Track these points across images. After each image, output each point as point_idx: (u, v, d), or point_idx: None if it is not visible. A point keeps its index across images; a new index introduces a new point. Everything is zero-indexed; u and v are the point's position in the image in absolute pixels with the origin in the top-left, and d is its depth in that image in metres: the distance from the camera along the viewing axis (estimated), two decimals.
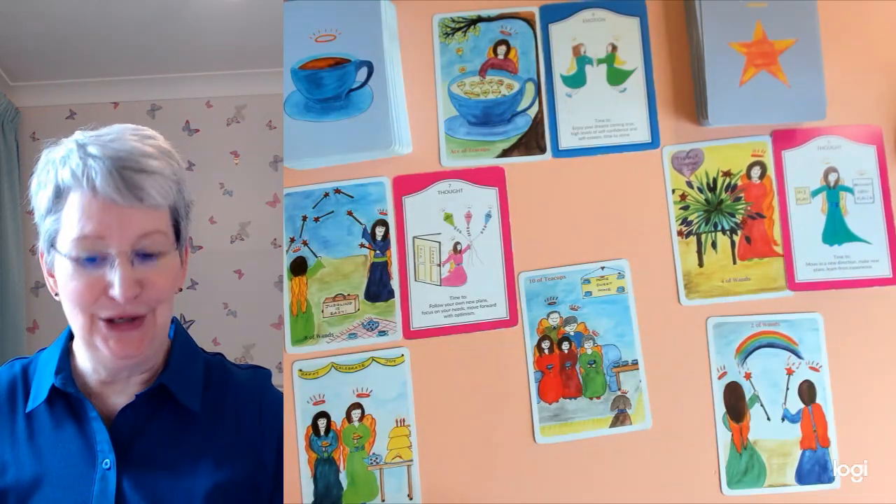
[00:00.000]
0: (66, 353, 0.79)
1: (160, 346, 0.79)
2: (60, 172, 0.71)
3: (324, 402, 0.85)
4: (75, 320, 0.74)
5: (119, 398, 0.78)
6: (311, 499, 0.84)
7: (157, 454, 0.77)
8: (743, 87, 0.85)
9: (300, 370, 0.86)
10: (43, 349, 0.83)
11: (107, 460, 0.75)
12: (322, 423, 0.85)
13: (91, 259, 0.70)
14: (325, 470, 0.84)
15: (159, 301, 0.74)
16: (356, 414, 0.85)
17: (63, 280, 0.72)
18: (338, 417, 0.85)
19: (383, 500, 0.84)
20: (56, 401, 0.77)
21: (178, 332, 0.82)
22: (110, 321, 0.72)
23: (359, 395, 0.85)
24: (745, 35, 0.85)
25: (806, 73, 0.84)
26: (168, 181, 0.73)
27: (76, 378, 0.78)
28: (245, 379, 0.84)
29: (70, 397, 0.77)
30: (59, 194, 0.72)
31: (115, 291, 0.70)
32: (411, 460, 0.85)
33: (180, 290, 0.81)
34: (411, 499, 0.84)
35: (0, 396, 0.79)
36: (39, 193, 0.74)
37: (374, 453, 0.84)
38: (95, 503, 0.74)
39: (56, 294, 0.75)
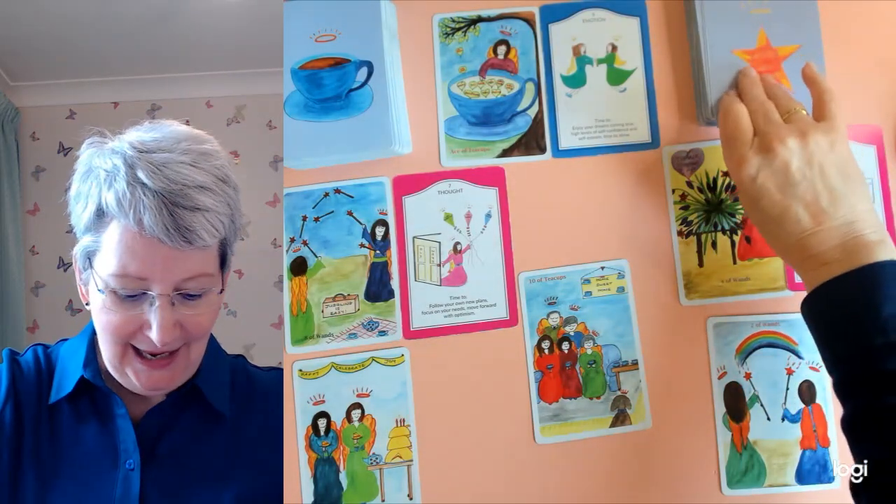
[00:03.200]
0: (93, 348, 0.76)
1: (191, 372, 0.76)
2: (105, 194, 0.66)
3: (324, 402, 0.85)
4: (107, 348, 0.70)
5: (146, 399, 0.76)
6: (311, 499, 0.84)
7: (183, 457, 0.75)
8: None
9: (300, 370, 0.86)
10: (64, 339, 0.80)
11: (130, 461, 0.72)
12: (322, 423, 0.85)
13: (131, 296, 0.67)
14: (325, 470, 0.84)
15: (196, 339, 0.72)
16: (356, 414, 0.85)
17: (98, 307, 0.69)
18: (338, 417, 0.85)
19: (383, 501, 0.84)
20: (81, 395, 0.74)
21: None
22: (141, 354, 0.70)
23: (359, 395, 0.85)
24: (748, 42, 0.85)
25: None
26: (221, 217, 0.69)
27: (103, 374, 0.75)
28: (271, 380, 0.83)
29: (97, 392, 0.75)
30: (102, 216, 0.67)
31: (154, 335, 0.67)
32: (411, 460, 0.85)
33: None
34: (411, 499, 0.84)
35: (28, 383, 0.75)
36: (79, 206, 0.69)
37: (374, 453, 0.84)
38: None
39: (87, 304, 0.72)
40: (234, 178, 0.73)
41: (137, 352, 0.70)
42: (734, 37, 0.85)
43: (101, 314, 0.69)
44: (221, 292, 0.75)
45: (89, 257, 0.69)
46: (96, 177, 0.67)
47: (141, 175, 0.65)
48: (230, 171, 0.73)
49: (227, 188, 0.72)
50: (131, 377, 0.71)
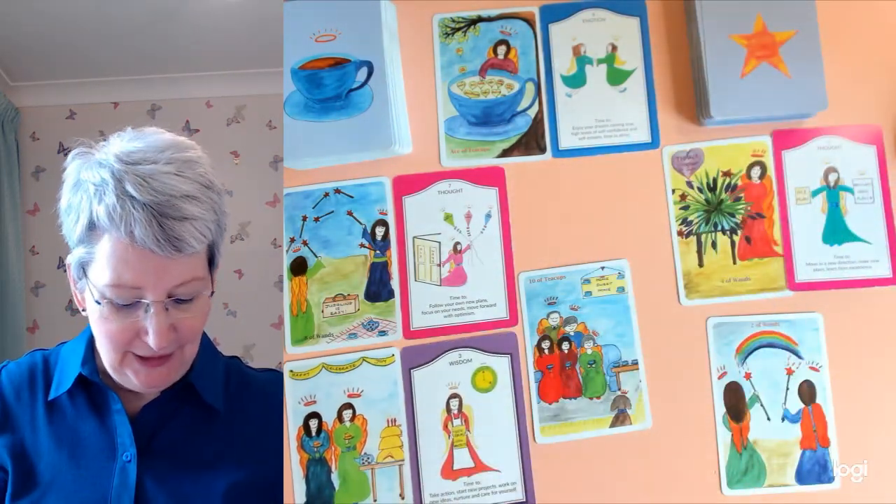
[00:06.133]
0: (92, 348, 0.79)
1: (185, 369, 0.79)
2: (96, 208, 0.68)
3: (315, 402, 0.85)
4: (106, 354, 0.74)
5: (141, 395, 0.78)
6: (304, 499, 0.84)
7: (179, 450, 0.78)
8: (744, 78, 0.85)
9: (291, 371, 0.86)
10: (64, 342, 0.83)
11: (127, 453, 0.75)
12: (313, 423, 0.85)
13: (126, 304, 0.70)
14: (316, 470, 0.84)
15: (190, 341, 0.75)
16: (347, 414, 0.85)
17: (95, 316, 0.72)
18: (329, 418, 0.85)
19: (375, 500, 0.84)
20: (79, 392, 0.78)
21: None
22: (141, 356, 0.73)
23: (350, 396, 0.85)
24: (745, 27, 0.86)
25: (806, 64, 0.84)
26: (208, 223, 0.71)
27: (101, 372, 0.78)
28: (267, 380, 0.85)
29: (95, 389, 0.78)
30: (93, 228, 0.69)
31: (151, 340, 0.70)
32: (403, 460, 0.84)
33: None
34: (403, 498, 0.84)
35: (20, 383, 0.79)
36: (70, 218, 0.71)
37: (365, 453, 0.84)
38: (115, 495, 0.74)
39: (83, 309, 0.75)
40: (217, 182, 0.75)
41: (136, 357, 0.74)
42: (731, 22, 0.85)
43: (99, 323, 0.72)
44: (212, 294, 0.77)
45: (83, 268, 0.72)
46: (86, 190, 0.69)
47: (129, 188, 0.67)
48: (213, 175, 0.75)
49: (212, 194, 0.73)
50: (131, 377, 0.74)
